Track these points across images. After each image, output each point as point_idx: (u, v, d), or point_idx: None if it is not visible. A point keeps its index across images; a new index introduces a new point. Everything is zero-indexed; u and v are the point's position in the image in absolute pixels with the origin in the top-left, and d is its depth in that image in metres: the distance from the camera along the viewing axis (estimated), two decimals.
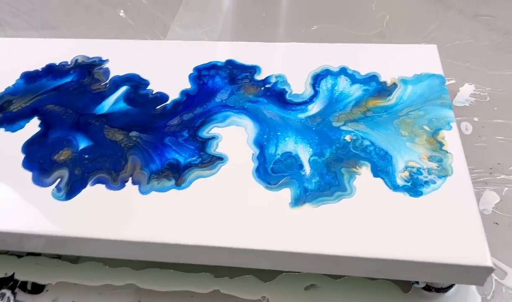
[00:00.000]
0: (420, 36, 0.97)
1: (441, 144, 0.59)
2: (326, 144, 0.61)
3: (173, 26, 1.07)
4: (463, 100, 0.81)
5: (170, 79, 0.73)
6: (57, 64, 0.78)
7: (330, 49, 0.77)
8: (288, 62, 0.75)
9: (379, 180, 0.56)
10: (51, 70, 0.76)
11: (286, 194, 0.55)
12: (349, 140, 0.61)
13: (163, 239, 0.52)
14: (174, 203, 0.55)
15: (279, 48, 0.80)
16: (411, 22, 1.02)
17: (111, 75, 0.75)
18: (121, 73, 0.75)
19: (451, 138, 0.60)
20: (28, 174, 0.60)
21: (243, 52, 0.77)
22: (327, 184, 0.56)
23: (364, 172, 0.57)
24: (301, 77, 0.71)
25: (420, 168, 0.56)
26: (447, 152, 0.58)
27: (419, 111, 0.64)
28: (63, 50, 0.81)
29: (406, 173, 0.56)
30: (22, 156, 0.63)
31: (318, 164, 0.58)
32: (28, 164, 0.61)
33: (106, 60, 0.77)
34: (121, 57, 0.78)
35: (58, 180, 0.59)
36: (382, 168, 0.57)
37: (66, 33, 1.07)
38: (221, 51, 0.78)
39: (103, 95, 0.71)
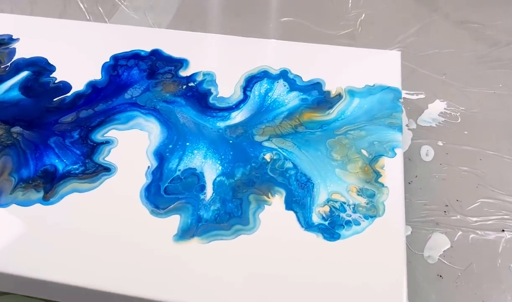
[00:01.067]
0: (395, 40, 0.85)
1: (377, 174, 0.48)
2: (241, 162, 0.50)
3: (122, 7, 0.96)
4: (430, 120, 0.70)
5: (83, 67, 0.62)
6: None
7: (276, 46, 0.67)
8: (225, 58, 0.65)
9: (291, 214, 0.45)
10: None
11: (174, 222, 0.44)
12: (269, 159, 0.50)
13: (5, 269, 0.41)
14: (33, 222, 0.45)
15: (219, 41, 0.69)
16: (389, 24, 0.91)
17: (16, 57, 0.64)
18: (28, 56, 0.64)
19: (392, 168, 0.49)
20: None
21: (177, 42, 0.66)
22: (228, 213, 0.45)
23: (276, 202, 0.46)
24: (234, 77, 0.60)
25: (344, 203, 0.45)
26: (383, 185, 0.47)
27: (361, 131, 0.53)
28: None
29: (326, 208, 0.45)
30: None
31: (223, 186, 0.47)
32: None
33: (16, 40, 0.67)
34: (36, 37, 0.68)
35: None
36: (299, 198, 0.46)
37: None
38: (152, 39, 0.67)
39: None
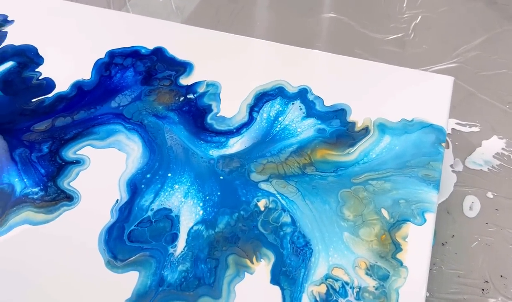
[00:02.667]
0: (453, 53, 0.72)
1: (397, 247, 0.38)
2: (227, 207, 0.41)
3: None
4: (482, 162, 0.57)
5: (75, 62, 0.55)
6: None
7: (300, 56, 0.56)
8: (237, 65, 0.55)
9: (275, 291, 0.36)
10: None
11: (130, 281, 0.36)
12: (262, 208, 0.40)
13: None
14: None
15: (235, 43, 0.59)
16: (448, 31, 0.77)
17: (4, 43, 0.57)
18: (19, 43, 0.57)
19: (417, 242, 0.38)
20: None
21: (187, 40, 0.57)
22: (197, 278, 0.36)
23: (261, 270, 0.37)
24: (243, 91, 0.50)
25: (347, 284, 0.35)
26: (401, 264, 0.37)
27: (386, 182, 0.42)
28: None
29: (322, 288, 0.35)
30: None
31: (199, 239, 0.39)
32: None
33: (11, 22, 0.60)
34: (33, 20, 0.60)
35: None
36: (290, 269, 0.36)
37: None
38: (162, 33, 0.58)
39: None
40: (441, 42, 0.76)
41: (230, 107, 0.50)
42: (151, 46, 0.57)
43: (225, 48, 0.57)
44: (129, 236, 0.40)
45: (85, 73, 0.54)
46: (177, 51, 0.56)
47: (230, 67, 0.55)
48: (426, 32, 0.78)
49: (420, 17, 0.81)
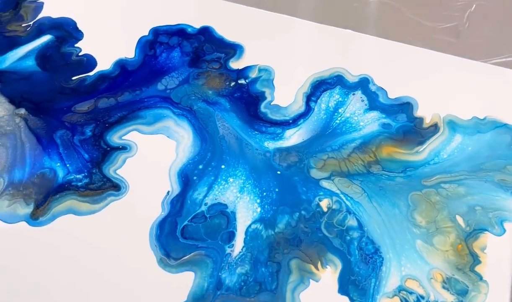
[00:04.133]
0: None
1: (475, 259, 0.35)
2: (287, 206, 0.38)
3: None
4: None
5: (117, 39, 0.52)
6: None
7: (362, 42, 0.52)
8: (292, 50, 0.52)
9: (344, 301, 0.32)
10: None
11: (185, 282, 0.33)
12: (325, 209, 0.37)
13: None
14: (14, 245, 0.35)
15: (290, 25, 0.55)
16: (506, 21, 0.72)
17: (41, 15, 0.54)
18: (56, 15, 0.54)
19: (498, 254, 0.35)
20: None
21: (237, 19, 0.53)
22: (258, 283, 0.34)
23: (327, 278, 0.34)
24: (299, 79, 0.47)
25: (422, 298, 0.32)
26: (481, 278, 0.34)
27: (459, 185, 0.39)
28: None
29: (395, 301, 0.33)
30: None
31: (259, 239, 0.36)
32: None
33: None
34: None
35: None
36: (360, 278, 0.34)
37: None
38: (210, 10, 0.55)
39: (15, 42, 0.51)
40: (499, 32, 0.72)
41: (285, 95, 0.47)
42: (196, 24, 0.54)
43: (276, 29, 0.54)
44: (182, 232, 0.37)
45: (128, 51, 0.51)
46: (225, 31, 0.53)
47: (282, 51, 0.51)
48: (482, 21, 0.73)
49: (474, 5, 0.76)
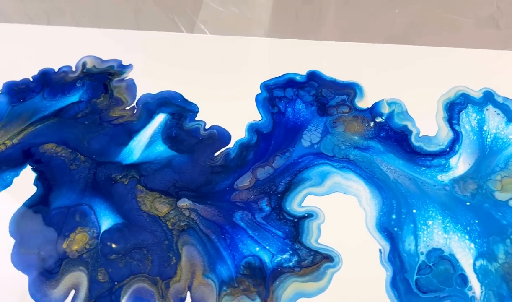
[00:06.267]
0: None
1: None
2: (495, 234, 0.39)
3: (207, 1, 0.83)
4: None
5: (227, 101, 0.51)
6: (56, 70, 0.54)
7: (453, 55, 0.55)
8: (401, 75, 0.53)
9: None
10: (48, 81, 0.53)
11: None
12: None
13: None
14: None
15: (383, 51, 0.57)
16: None
17: (139, 93, 0.52)
18: (153, 90, 0.52)
19: None
20: (21, 279, 0.39)
21: (331, 56, 0.55)
22: None
23: None
24: (429, 105, 0.49)
25: None
26: None
27: None
28: (61, 44, 0.58)
29: None
30: (9, 242, 0.41)
31: (490, 275, 0.37)
32: (20, 257, 0.40)
33: (129, 66, 0.54)
34: (150, 59, 0.56)
35: (72, 294, 0.38)
36: None
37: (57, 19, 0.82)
38: (290, 54, 0.55)
39: (130, 129, 0.49)
40: None
41: (424, 123, 0.49)
42: (301, 71, 0.54)
43: (373, 58, 0.56)
44: (418, 285, 0.38)
45: (249, 112, 0.51)
46: (328, 71, 0.54)
47: (393, 78, 0.53)
48: None
49: None
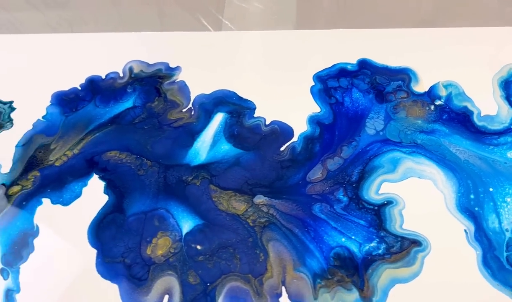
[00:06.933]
0: None
1: None
2: None
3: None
4: None
5: (282, 95, 0.51)
6: (104, 77, 0.54)
7: (505, 35, 0.55)
8: (449, 57, 0.53)
9: None
10: (97, 88, 0.53)
11: None
12: None
13: None
14: None
15: (434, 36, 0.57)
16: None
17: (193, 94, 0.52)
18: (203, 90, 0.52)
19: None
20: (111, 288, 0.38)
21: (380, 44, 0.55)
22: None
23: None
24: (483, 83, 0.49)
25: None
26: None
27: None
28: (100, 50, 0.57)
29: None
30: (91, 253, 0.40)
31: None
32: (106, 267, 0.40)
33: (177, 68, 0.54)
34: (191, 60, 0.56)
35: (166, 298, 0.38)
36: None
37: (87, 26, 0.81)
38: (334, 45, 0.56)
39: (191, 131, 0.49)
40: None
41: (483, 103, 0.49)
42: (351, 60, 0.54)
43: (418, 43, 0.56)
44: (509, 263, 0.39)
45: (305, 105, 0.51)
46: (378, 58, 0.54)
47: (442, 61, 0.54)
48: None
49: None
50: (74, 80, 0.56)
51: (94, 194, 0.45)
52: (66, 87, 0.55)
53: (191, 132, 0.49)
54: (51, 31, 0.74)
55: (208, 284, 0.39)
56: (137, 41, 0.60)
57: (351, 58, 0.55)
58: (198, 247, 0.41)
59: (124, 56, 0.58)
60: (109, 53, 0.58)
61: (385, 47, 0.55)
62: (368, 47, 0.56)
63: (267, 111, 0.51)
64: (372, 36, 0.57)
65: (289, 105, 0.51)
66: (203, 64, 0.56)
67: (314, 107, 0.51)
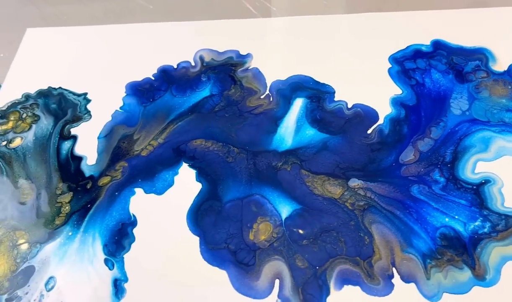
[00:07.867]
0: None
1: None
2: None
3: None
4: None
5: (355, 79, 0.52)
6: (175, 67, 0.54)
7: None
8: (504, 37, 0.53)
9: None
10: (171, 78, 0.53)
11: None
12: None
13: None
14: None
15: (494, 15, 0.57)
16: None
17: (268, 80, 0.52)
18: (276, 76, 0.52)
19: None
20: (218, 274, 0.38)
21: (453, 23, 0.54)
22: None
23: None
24: None
25: None
26: None
27: None
28: (164, 41, 0.57)
29: None
30: (193, 240, 0.41)
31: None
32: (211, 254, 0.40)
33: (248, 56, 0.54)
34: (262, 46, 0.55)
35: (277, 282, 0.38)
36: None
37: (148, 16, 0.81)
38: (396, 24, 0.55)
39: (273, 117, 0.49)
40: None
41: None
42: (424, 41, 0.54)
43: (485, 22, 0.56)
44: None
45: (386, 88, 0.50)
46: (449, 38, 0.54)
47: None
48: None
49: None
50: (145, 71, 0.56)
51: (186, 182, 0.45)
52: (137, 77, 0.55)
53: (273, 119, 0.49)
54: (98, 23, 0.74)
55: (317, 267, 0.39)
56: (203, 29, 0.59)
57: (422, 39, 0.55)
58: (300, 231, 0.41)
59: (187, 45, 0.58)
60: (173, 43, 0.58)
61: (455, 28, 0.55)
62: (438, 29, 0.55)
63: (346, 94, 0.51)
64: (442, 17, 0.57)
65: (367, 88, 0.51)
66: (269, 50, 0.55)
67: (393, 89, 0.51)
